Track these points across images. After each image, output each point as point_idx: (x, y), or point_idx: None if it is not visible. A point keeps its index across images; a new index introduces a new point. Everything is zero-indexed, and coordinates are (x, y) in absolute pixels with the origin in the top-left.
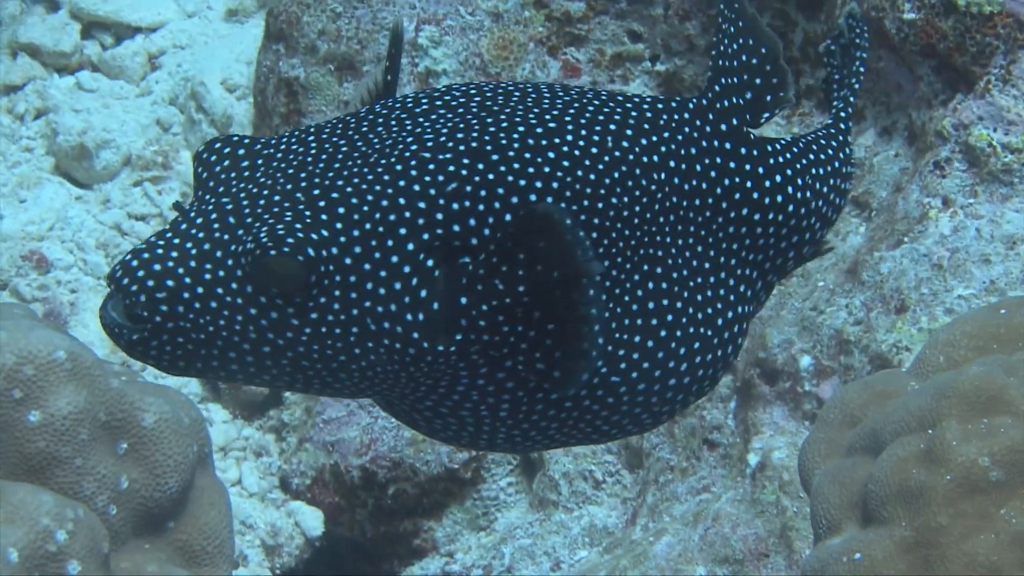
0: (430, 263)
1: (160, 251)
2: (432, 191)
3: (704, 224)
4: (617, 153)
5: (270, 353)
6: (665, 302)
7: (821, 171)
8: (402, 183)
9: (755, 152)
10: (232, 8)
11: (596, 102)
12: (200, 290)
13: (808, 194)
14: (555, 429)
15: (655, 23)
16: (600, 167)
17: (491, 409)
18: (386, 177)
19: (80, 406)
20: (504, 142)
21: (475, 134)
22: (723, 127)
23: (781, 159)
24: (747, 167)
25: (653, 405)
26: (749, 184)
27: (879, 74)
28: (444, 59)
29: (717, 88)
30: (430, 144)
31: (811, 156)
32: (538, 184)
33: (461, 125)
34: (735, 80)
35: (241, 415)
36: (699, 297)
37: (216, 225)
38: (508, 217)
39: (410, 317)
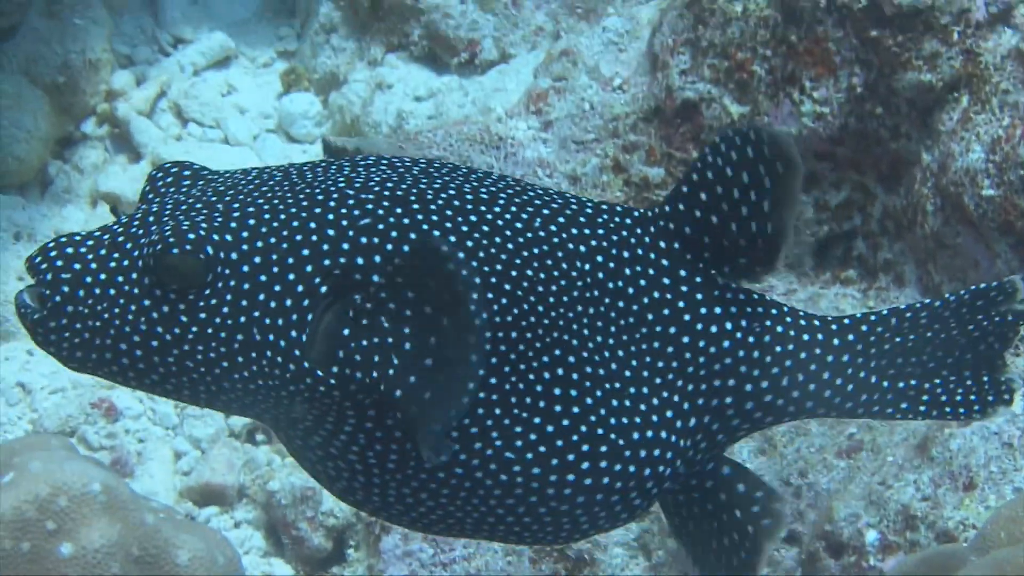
0: (323, 289)
1: (77, 239)
2: (344, 222)
3: (627, 330)
4: (542, 233)
5: (157, 348)
6: (573, 392)
7: (781, 346)
8: (317, 211)
9: (696, 279)
10: None
11: (540, 192)
12: (102, 276)
13: (752, 341)
14: (447, 499)
15: None
16: (520, 240)
17: (379, 458)
18: (304, 203)
19: (113, 540)
20: (429, 197)
21: (405, 187)
22: (663, 244)
23: (730, 296)
24: (682, 288)
25: (554, 506)
26: (681, 305)
27: (956, 250)
28: None
29: (671, 210)
30: (358, 185)
31: (772, 317)
32: (452, 238)
33: (396, 180)
34: (708, 218)
35: (304, 571)
36: (613, 402)
37: (136, 224)
38: None
39: (294, 334)
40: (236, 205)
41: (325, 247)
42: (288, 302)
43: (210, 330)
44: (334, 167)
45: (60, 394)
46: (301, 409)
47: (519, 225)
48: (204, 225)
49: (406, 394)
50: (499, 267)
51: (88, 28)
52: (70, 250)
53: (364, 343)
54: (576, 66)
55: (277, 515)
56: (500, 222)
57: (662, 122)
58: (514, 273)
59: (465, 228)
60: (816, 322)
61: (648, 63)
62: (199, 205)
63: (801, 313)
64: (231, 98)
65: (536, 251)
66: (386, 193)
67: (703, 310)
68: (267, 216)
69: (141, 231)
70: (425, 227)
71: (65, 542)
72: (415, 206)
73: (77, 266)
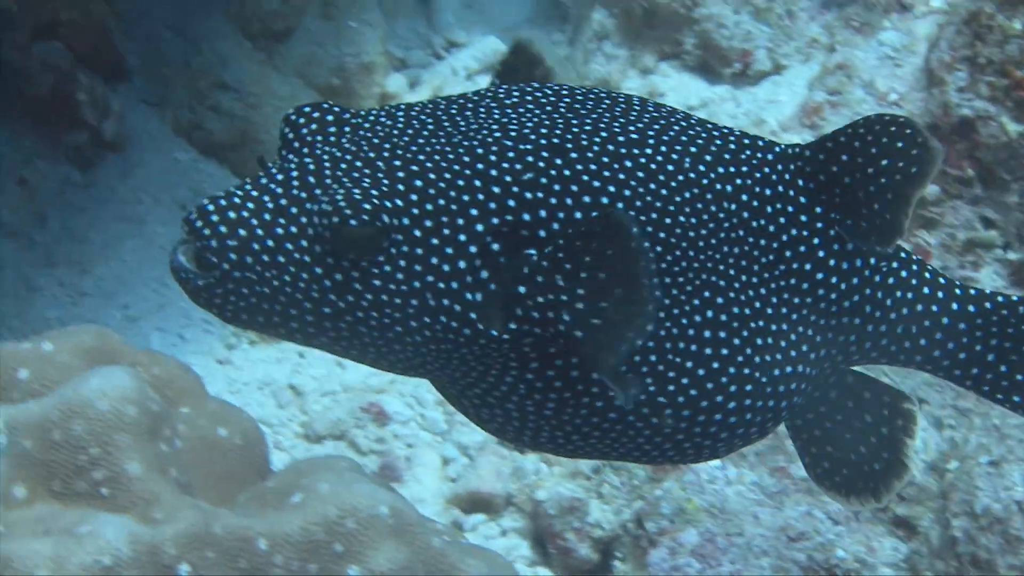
0: (495, 247)
1: (237, 201)
2: (508, 177)
3: (768, 267)
4: (692, 174)
5: (330, 315)
6: (722, 334)
7: (902, 292)
8: (480, 166)
9: (831, 215)
10: None
11: (683, 123)
12: (270, 243)
13: (878, 280)
14: (598, 439)
15: (1009, 211)
16: (673, 184)
17: (536, 406)
18: (466, 158)
19: (400, 563)
20: (585, 143)
21: (559, 131)
22: (800, 182)
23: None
24: (817, 225)
25: (696, 435)
26: (816, 241)
27: None
28: None
29: (813, 154)
30: (513, 134)
31: (900, 261)
32: (611, 188)
33: (547, 121)
34: (841, 177)
35: None
36: (758, 340)
37: (295, 183)
38: (578, 215)
39: (469, 296)
40: (398, 163)
41: (492, 205)
42: (462, 264)
43: (385, 296)
44: (483, 108)
45: (331, 397)
46: (468, 365)
47: (671, 167)
48: (375, 192)
49: (587, 338)
50: (655, 215)
51: (363, 31)
52: (233, 214)
53: (540, 299)
54: (851, 80)
55: (543, 524)
56: (653, 166)
57: (938, 139)
58: (668, 220)
59: (622, 176)
60: (942, 280)
61: (925, 79)
62: (359, 163)
63: (929, 267)
64: None
65: (688, 195)
66: (543, 142)
67: (836, 246)
68: (432, 176)
69: (304, 194)
70: (585, 178)
71: (352, 565)
72: (573, 155)
73: (243, 232)
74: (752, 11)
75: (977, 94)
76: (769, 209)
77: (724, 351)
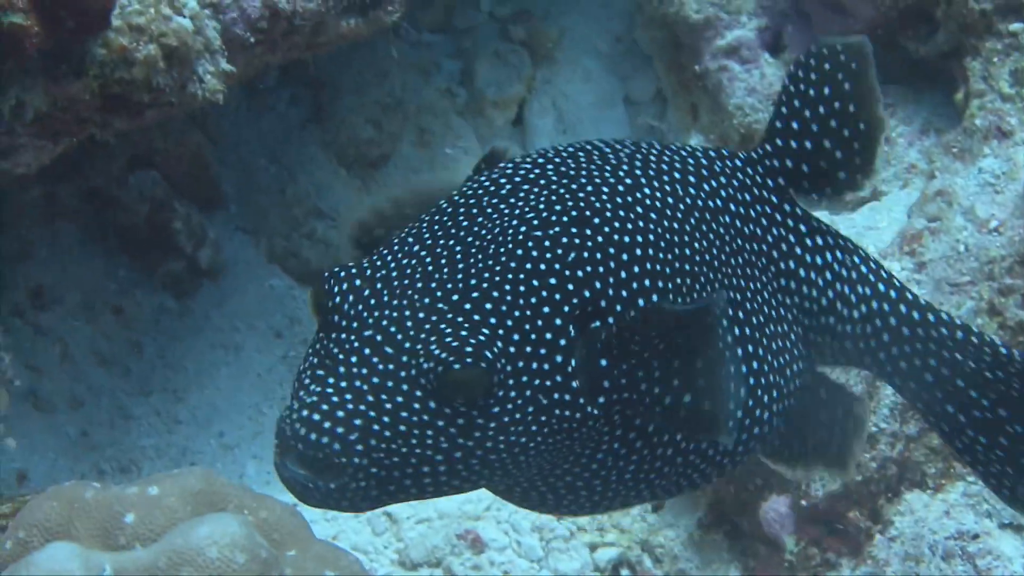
0: (573, 332)
1: (332, 394)
2: (557, 265)
3: (764, 271)
4: (687, 201)
5: (461, 458)
6: (750, 348)
7: (858, 288)
8: (529, 266)
9: (798, 211)
10: None
11: (654, 152)
12: (387, 419)
13: (844, 274)
14: (658, 482)
15: None
16: (679, 215)
17: (620, 471)
18: (513, 264)
19: None
20: (598, 205)
21: (569, 203)
22: (771, 182)
23: (823, 226)
24: (790, 222)
25: (739, 451)
26: (792, 239)
27: None
28: None
29: (771, 147)
30: (536, 222)
31: (858, 254)
32: (639, 239)
33: (552, 197)
34: (803, 144)
35: None
36: (774, 345)
37: (375, 357)
38: (624, 274)
39: (575, 385)
40: (457, 298)
41: (558, 296)
42: (559, 358)
43: (508, 419)
44: (487, 207)
45: (426, 524)
46: (567, 451)
47: (671, 200)
48: (463, 333)
49: (674, 400)
50: (677, 251)
51: (458, 157)
52: (340, 413)
53: (624, 366)
54: (951, 207)
55: None
56: (658, 203)
57: None
58: (688, 252)
59: (642, 224)
60: (896, 282)
61: None
62: (422, 315)
63: (875, 260)
64: None
65: (693, 220)
66: (565, 219)
67: (809, 242)
68: (496, 294)
69: (391, 364)
70: (616, 238)
71: None
72: (596, 220)
73: (359, 422)
74: None
75: None
76: (753, 213)
77: (755, 364)
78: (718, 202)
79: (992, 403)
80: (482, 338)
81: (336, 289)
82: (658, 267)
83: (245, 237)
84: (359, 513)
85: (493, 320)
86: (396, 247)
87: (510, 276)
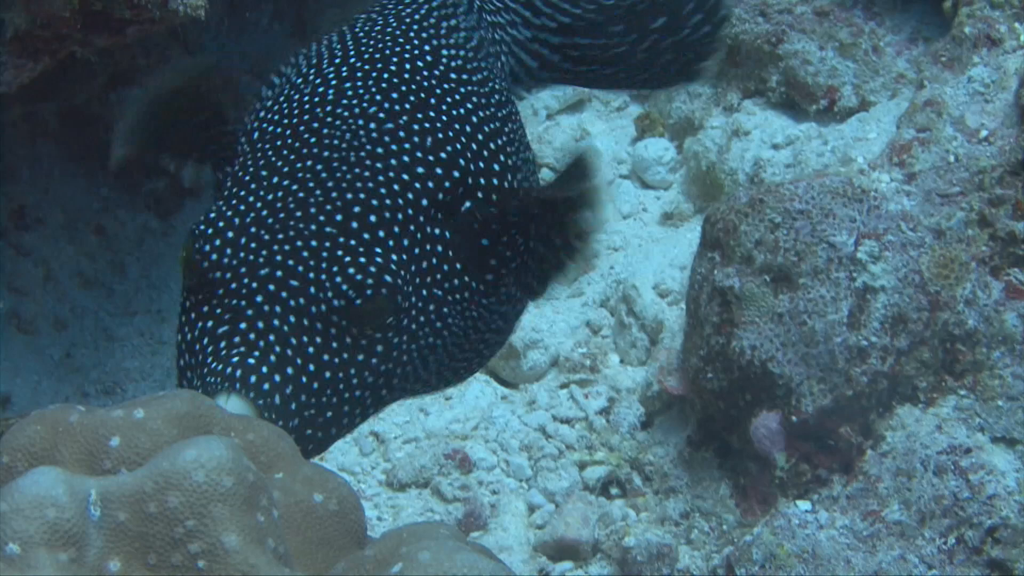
0: (450, 219)
1: (246, 355)
2: (419, 153)
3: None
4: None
5: (383, 383)
6: None
7: None
8: (394, 162)
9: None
10: (668, 212)
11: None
12: (311, 367)
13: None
14: (496, 340)
15: None
16: (496, 75)
17: (488, 337)
18: (379, 166)
19: None
20: (426, 83)
21: (402, 89)
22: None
23: None
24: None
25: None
26: None
27: None
28: (883, 275)
29: None
30: (381, 117)
31: None
32: (477, 108)
33: (383, 86)
34: None
35: None
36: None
37: (275, 305)
38: (475, 145)
39: (459, 268)
40: (340, 219)
41: (430, 185)
42: (446, 254)
43: (420, 333)
44: (329, 116)
45: (414, 444)
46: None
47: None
48: (362, 260)
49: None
50: (505, 111)
51: None
52: (265, 369)
53: (506, 240)
54: (941, 117)
55: (632, 572)
56: (473, 64)
57: None
58: (509, 110)
59: (473, 92)
60: None
61: (1016, 115)
62: (314, 243)
63: None
64: (585, 142)
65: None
66: (406, 105)
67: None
68: (377, 203)
69: (289, 294)
70: (455, 112)
71: None
72: (432, 100)
73: (278, 379)
74: (837, 47)
75: None
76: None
77: None
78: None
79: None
80: (379, 259)
81: (208, 247)
82: (497, 126)
83: None
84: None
85: (382, 233)
86: (251, 183)
87: (382, 179)
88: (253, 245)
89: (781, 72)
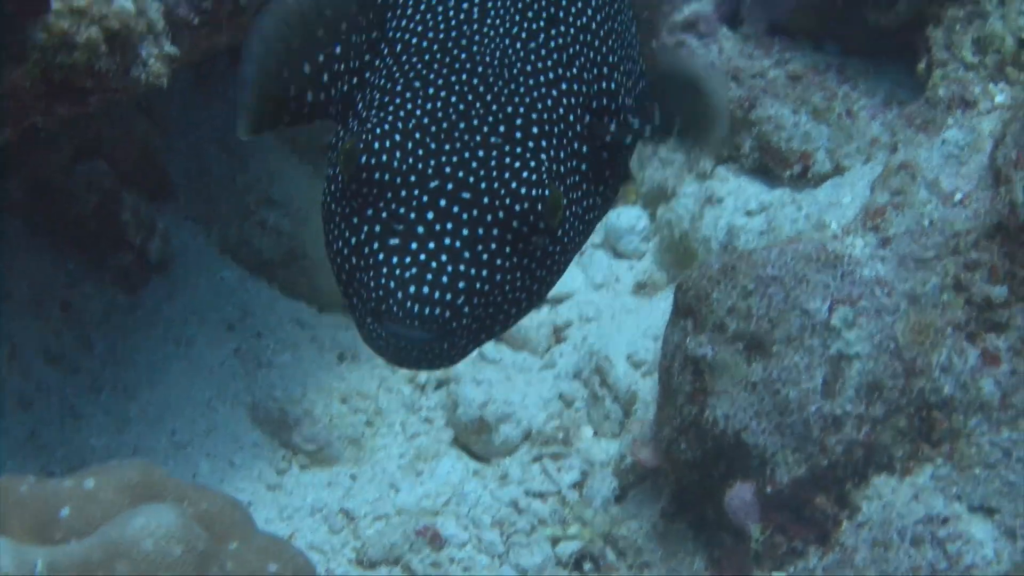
0: (588, 131)
1: (428, 260)
2: (561, 70)
3: None
4: None
5: (539, 289)
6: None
7: None
8: (543, 78)
9: None
10: (641, 282)
11: None
12: (485, 272)
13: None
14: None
15: None
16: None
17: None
18: (531, 83)
19: None
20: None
21: (535, 6)
22: None
23: None
24: None
25: None
26: None
27: None
28: (857, 342)
29: None
30: (524, 36)
31: None
32: (607, 25)
33: (519, 4)
34: None
35: None
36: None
37: (455, 207)
38: (613, 59)
39: (592, 176)
40: (503, 129)
41: (578, 101)
42: (582, 167)
43: (568, 238)
44: (475, 34)
45: (384, 521)
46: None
47: None
48: (525, 174)
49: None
50: (626, 29)
51: None
52: (445, 279)
53: (617, 158)
54: (915, 180)
55: None
56: None
57: (1006, 239)
58: (625, 29)
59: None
60: None
61: (990, 177)
62: (482, 153)
63: None
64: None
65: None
66: (541, 23)
67: None
68: (535, 115)
69: (469, 196)
70: (594, 26)
71: None
72: (562, 15)
73: (463, 285)
74: (811, 111)
75: None
76: None
77: None
78: None
79: None
80: (544, 162)
81: (379, 145)
82: (615, 35)
83: (196, 227)
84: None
85: (544, 142)
86: (406, 92)
87: (536, 95)
88: (421, 152)
89: (754, 137)
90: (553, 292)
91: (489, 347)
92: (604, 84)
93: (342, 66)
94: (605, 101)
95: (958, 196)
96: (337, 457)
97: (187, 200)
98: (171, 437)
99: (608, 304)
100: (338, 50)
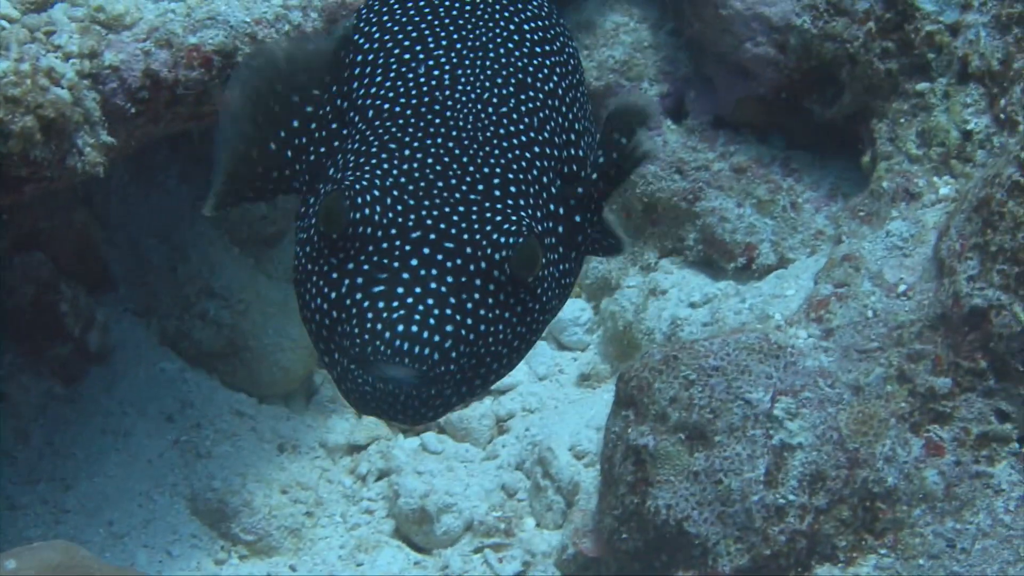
0: (560, 193)
1: (415, 303)
2: (533, 134)
3: None
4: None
5: (521, 341)
6: None
7: None
8: (516, 142)
9: None
10: (585, 373)
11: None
12: (470, 320)
13: None
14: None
15: None
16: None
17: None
18: (505, 145)
19: None
20: (522, 64)
21: (504, 73)
22: None
23: None
24: None
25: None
26: None
27: None
28: (800, 432)
29: None
30: (496, 101)
31: None
32: (572, 88)
33: (489, 72)
34: None
35: None
36: None
37: (438, 255)
38: (578, 126)
39: (564, 241)
40: (482, 188)
41: (549, 164)
42: (557, 229)
43: (549, 291)
44: (449, 100)
45: None
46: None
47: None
48: (514, 217)
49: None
50: (583, 90)
51: None
52: (432, 321)
53: (592, 218)
54: (859, 272)
55: None
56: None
57: (949, 330)
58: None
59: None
60: None
61: (934, 268)
62: (462, 208)
63: None
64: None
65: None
66: (511, 88)
67: None
68: (511, 175)
69: (452, 246)
70: (560, 91)
71: None
72: (530, 81)
73: (450, 328)
74: (755, 204)
75: (989, 283)
76: None
77: None
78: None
79: None
80: (524, 217)
81: (360, 200)
82: (574, 95)
83: (135, 319)
84: (433, 421)
85: (521, 201)
86: (381, 154)
87: (511, 156)
88: (401, 207)
89: (699, 230)
90: (496, 383)
91: (431, 438)
92: (572, 151)
93: (305, 139)
94: (575, 167)
95: (902, 287)
96: (276, 548)
97: (127, 291)
98: (109, 528)
99: (551, 395)
100: (299, 125)
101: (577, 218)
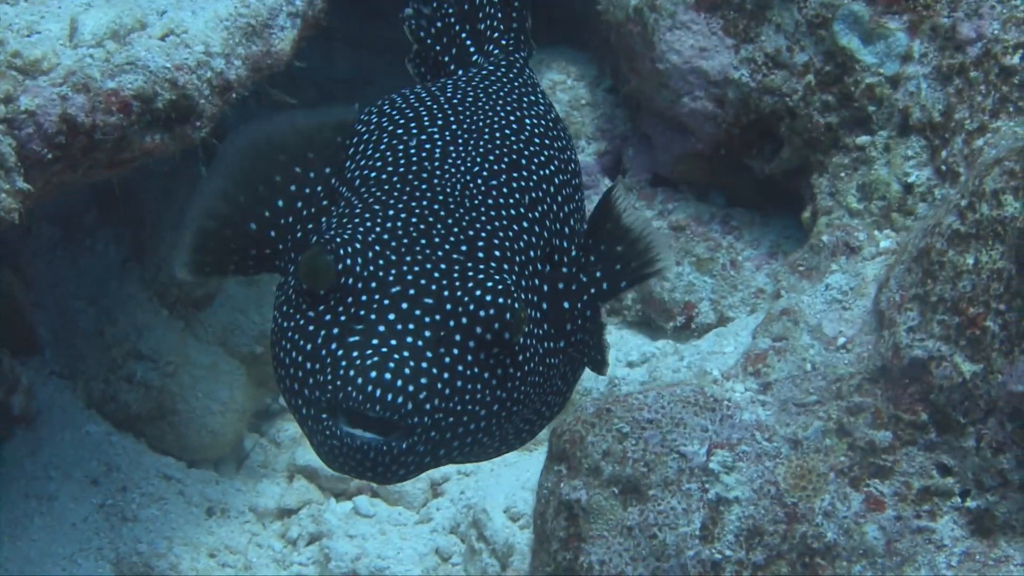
0: (546, 270)
1: (389, 354)
2: (523, 209)
3: None
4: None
5: (500, 408)
6: None
7: None
8: (504, 214)
9: None
10: None
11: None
12: (447, 374)
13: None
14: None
15: (966, 456)
16: (566, 143)
17: (543, 396)
18: (492, 214)
19: None
20: (516, 146)
21: (497, 151)
22: None
23: None
24: None
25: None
26: None
27: None
28: (737, 486)
29: None
30: (485, 174)
31: None
32: (563, 171)
33: (480, 148)
34: None
35: None
36: None
37: (416, 311)
38: (565, 209)
39: (546, 324)
40: (465, 249)
41: (534, 240)
42: (542, 305)
43: (530, 366)
44: (438, 170)
45: None
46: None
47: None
48: (498, 277)
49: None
50: (574, 169)
51: None
52: (407, 371)
53: (579, 306)
54: (797, 325)
55: None
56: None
57: (889, 382)
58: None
59: (556, 156)
60: None
61: (874, 321)
62: (444, 266)
63: None
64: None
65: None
66: (504, 164)
67: None
68: (497, 241)
69: (431, 302)
70: (544, 172)
71: None
72: (523, 161)
73: (424, 380)
74: (694, 262)
75: (929, 334)
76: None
77: None
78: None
79: None
80: (507, 279)
81: (343, 252)
82: (570, 192)
83: (61, 382)
84: (404, 481)
85: (505, 265)
86: (368, 217)
87: (498, 224)
88: (382, 262)
89: (637, 290)
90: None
91: (363, 501)
92: (563, 243)
93: (291, 219)
94: (566, 259)
95: (841, 340)
96: None
97: (53, 354)
98: None
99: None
100: (284, 205)
101: (566, 304)
